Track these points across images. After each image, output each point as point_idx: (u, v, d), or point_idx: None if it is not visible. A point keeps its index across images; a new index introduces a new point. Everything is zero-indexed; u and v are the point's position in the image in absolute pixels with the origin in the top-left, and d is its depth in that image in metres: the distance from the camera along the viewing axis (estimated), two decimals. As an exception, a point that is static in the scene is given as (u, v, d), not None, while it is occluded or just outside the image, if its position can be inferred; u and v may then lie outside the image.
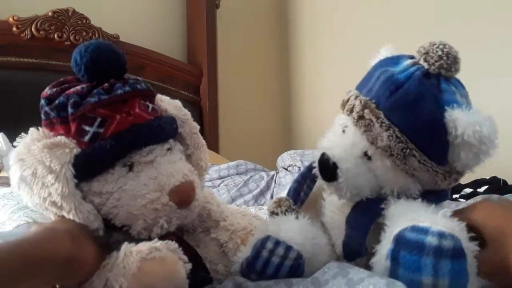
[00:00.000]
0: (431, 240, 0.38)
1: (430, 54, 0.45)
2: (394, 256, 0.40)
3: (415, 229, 0.40)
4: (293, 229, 0.47)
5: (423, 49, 0.46)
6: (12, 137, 0.48)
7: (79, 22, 1.49)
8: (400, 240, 0.40)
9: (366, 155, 0.46)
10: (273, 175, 1.37)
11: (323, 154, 0.48)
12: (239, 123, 2.08)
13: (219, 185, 1.32)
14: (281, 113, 2.26)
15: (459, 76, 0.47)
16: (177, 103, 0.56)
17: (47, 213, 0.47)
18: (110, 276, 0.41)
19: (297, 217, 0.49)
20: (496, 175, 1.20)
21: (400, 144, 0.44)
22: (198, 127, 0.57)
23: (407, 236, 0.39)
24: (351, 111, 0.47)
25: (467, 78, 0.49)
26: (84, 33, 1.49)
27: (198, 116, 1.83)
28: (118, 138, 0.46)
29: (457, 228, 0.39)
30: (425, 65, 0.45)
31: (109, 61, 0.49)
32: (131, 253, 0.42)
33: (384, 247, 0.41)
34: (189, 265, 0.44)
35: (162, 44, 1.83)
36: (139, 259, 0.41)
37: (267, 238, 0.47)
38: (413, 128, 0.44)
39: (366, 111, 0.45)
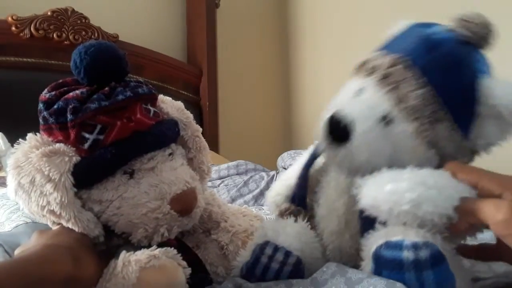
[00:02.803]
0: (407, 255, 0.37)
1: (474, 22, 0.42)
2: (379, 274, 0.39)
3: (389, 246, 0.39)
4: (292, 234, 0.46)
5: (465, 17, 0.43)
6: (11, 136, 0.47)
7: (78, 22, 1.48)
8: (378, 260, 0.39)
9: (385, 119, 0.42)
10: (273, 175, 1.36)
11: (333, 115, 0.43)
12: (239, 123, 2.08)
13: (219, 185, 1.32)
14: (281, 113, 2.25)
15: None
16: (179, 105, 0.55)
17: (44, 220, 0.46)
18: (109, 287, 0.40)
19: (295, 221, 0.48)
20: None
21: (432, 106, 0.40)
22: (201, 129, 0.56)
23: (384, 256, 0.39)
24: (372, 71, 0.44)
25: None
26: (84, 32, 1.49)
27: (198, 116, 1.82)
28: (119, 146, 0.45)
29: (428, 235, 0.38)
30: (466, 32, 0.42)
31: (110, 64, 0.47)
32: (129, 262, 0.41)
33: (367, 264, 0.41)
34: (189, 270, 0.43)
35: (162, 43, 1.83)
36: (138, 269, 0.40)
37: (266, 243, 0.46)
38: (448, 91, 0.41)
39: (397, 67, 0.42)
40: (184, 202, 0.46)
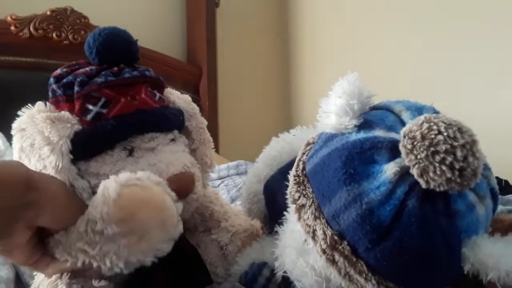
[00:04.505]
0: None
1: (427, 167, 0.30)
2: None
3: None
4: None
5: (412, 148, 0.31)
6: (10, 136, 0.47)
7: (78, 21, 1.48)
8: None
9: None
10: (273, 175, 1.36)
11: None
12: (239, 123, 2.07)
13: (218, 186, 1.32)
14: (281, 113, 2.25)
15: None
16: (187, 97, 0.56)
17: None
18: (91, 210, 0.37)
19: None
20: (498, 176, 1.19)
21: None
22: (206, 122, 0.56)
23: None
24: (312, 231, 0.36)
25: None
26: (83, 32, 1.48)
27: (198, 115, 1.82)
28: (120, 120, 0.45)
29: None
30: (421, 182, 0.31)
31: (121, 47, 0.49)
32: (111, 183, 0.38)
33: None
34: (180, 205, 0.40)
35: (162, 43, 1.82)
36: (119, 186, 0.37)
37: (264, 264, 0.45)
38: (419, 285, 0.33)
39: (336, 255, 0.34)
40: (180, 183, 0.45)
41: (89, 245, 0.36)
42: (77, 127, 0.45)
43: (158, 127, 0.48)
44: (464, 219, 0.32)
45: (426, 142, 0.31)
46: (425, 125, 0.31)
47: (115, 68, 0.48)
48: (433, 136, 0.31)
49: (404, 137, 0.32)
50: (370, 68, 1.83)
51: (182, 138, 0.52)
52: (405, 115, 0.37)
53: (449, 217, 0.32)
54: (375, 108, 0.41)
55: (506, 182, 1.17)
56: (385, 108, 0.40)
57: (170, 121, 0.50)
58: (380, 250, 0.32)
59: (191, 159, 0.50)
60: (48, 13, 1.42)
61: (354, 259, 0.33)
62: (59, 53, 1.42)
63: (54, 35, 1.43)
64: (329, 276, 0.35)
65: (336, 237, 0.34)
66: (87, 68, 0.47)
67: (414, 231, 0.31)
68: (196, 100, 1.86)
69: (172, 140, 0.49)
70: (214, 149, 0.57)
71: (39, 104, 0.47)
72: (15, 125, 0.46)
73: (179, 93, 0.56)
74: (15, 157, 0.45)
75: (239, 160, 1.45)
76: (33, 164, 0.44)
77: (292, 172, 0.41)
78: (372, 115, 0.39)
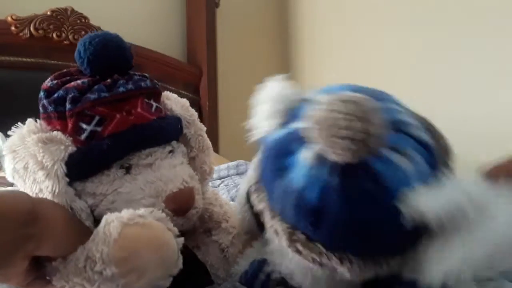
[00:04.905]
0: None
1: (333, 146, 0.32)
2: None
3: None
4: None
5: (316, 132, 0.33)
6: (9, 136, 0.46)
7: (78, 21, 1.48)
8: None
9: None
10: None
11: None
12: (239, 123, 2.07)
13: (218, 186, 1.32)
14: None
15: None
16: (184, 102, 0.54)
17: None
18: (91, 246, 0.37)
19: None
20: (497, 175, 1.19)
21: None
22: (204, 128, 0.55)
23: None
24: (274, 231, 0.38)
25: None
26: (83, 32, 1.48)
27: (198, 116, 1.81)
28: (116, 139, 0.43)
29: None
30: (334, 159, 0.33)
31: (114, 56, 0.46)
32: (112, 220, 0.38)
33: None
34: (181, 240, 0.40)
35: (162, 43, 1.82)
36: (120, 225, 0.37)
37: (264, 261, 0.45)
38: (371, 247, 0.35)
39: (298, 246, 0.36)
40: (179, 202, 0.45)
41: (88, 281, 0.36)
42: (71, 148, 0.43)
43: (156, 142, 0.46)
44: (391, 178, 0.33)
45: (327, 122, 0.33)
46: (323, 106, 0.34)
47: (108, 80, 0.45)
48: (332, 115, 0.33)
49: (308, 122, 0.35)
50: (370, 68, 1.83)
51: (180, 148, 0.51)
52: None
53: (374, 181, 0.33)
54: (304, 100, 0.43)
55: (506, 182, 1.17)
56: (308, 100, 0.41)
57: (168, 134, 0.48)
58: (324, 230, 0.35)
59: (190, 172, 0.49)
60: (49, 13, 1.42)
61: (311, 245, 0.35)
62: (59, 53, 1.43)
63: (54, 35, 1.43)
64: (308, 266, 0.37)
65: (290, 230, 0.37)
66: (79, 82, 0.44)
67: (344, 205, 0.33)
68: (196, 100, 1.87)
69: (171, 151, 0.48)
70: (214, 150, 0.56)
71: (30, 123, 0.45)
72: (7, 145, 0.44)
73: (176, 96, 0.54)
74: (8, 177, 0.44)
75: (239, 160, 1.45)
76: (28, 186, 0.42)
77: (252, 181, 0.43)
78: (296, 109, 0.41)
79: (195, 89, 1.87)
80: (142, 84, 0.47)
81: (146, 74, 0.50)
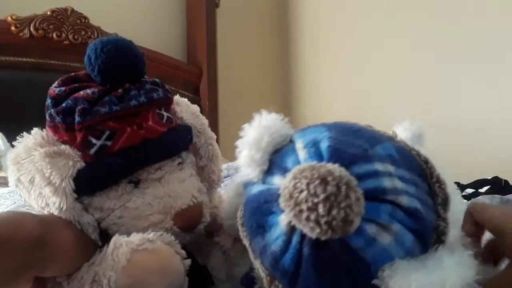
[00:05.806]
0: None
1: (299, 223, 0.30)
2: None
3: None
4: None
5: (284, 205, 0.31)
6: (10, 137, 0.46)
7: (78, 21, 1.48)
8: None
9: None
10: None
11: None
12: (239, 123, 2.07)
13: (219, 185, 1.31)
14: (281, 113, 2.25)
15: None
16: (195, 109, 0.53)
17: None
18: (98, 270, 0.37)
19: None
20: (498, 175, 1.20)
21: None
22: (215, 137, 0.54)
23: None
24: (257, 268, 0.37)
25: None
26: (83, 32, 1.48)
27: (198, 116, 1.81)
28: (126, 155, 0.42)
29: None
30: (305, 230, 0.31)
31: (127, 65, 0.44)
32: (121, 244, 0.38)
33: None
34: (188, 261, 0.40)
35: (162, 43, 1.82)
36: (129, 251, 0.37)
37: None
38: None
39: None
40: (188, 219, 0.44)
41: None
42: (80, 164, 0.41)
43: (166, 156, 0.45)
44: (368, 252, 0.32)
45: (292, 202, 0.31)
46: (292, 183, 0.31)
47: (120, 90, 0.43)
48: (297, 194, 0.30)
49: (280, 194, 0.32)
50: (370, 68, 1.83)
51: (189, 158, 0.49)
52: (301, 154, 0.36)
53: (350, 255, 0.31)
54: (291, 140, 0.41)
55: (506, 182, 1.17)
56: (292, 143, 0.39)
57: (178, 146, 0.47)
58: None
59: (199, 186, 0.47)
60: (49, 13, 1.42)
61: None
62: (59, 53, 1.43)
63: (54, 35, 1.43)
64: None
65: (269, 277, 0.35)
66: (89, 91, 0.42)
67: (315, 276, 0.32)
68: (196, 100, 1.87)
69: (180, 163, 0.47)
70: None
71: (36, 134, 0.43)
72: (12, 156, 0.42)
73: (186, 101, 0.52)
74: (12, 185, 0.43)
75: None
76: (33, 198, 0.41)
77: (238, 214, 0.41)
78: (278, 156, 0.39)
79: (195, 89, 1.87)
80: (155, 95, 0.45)
81: (157, 81, 0.48)
